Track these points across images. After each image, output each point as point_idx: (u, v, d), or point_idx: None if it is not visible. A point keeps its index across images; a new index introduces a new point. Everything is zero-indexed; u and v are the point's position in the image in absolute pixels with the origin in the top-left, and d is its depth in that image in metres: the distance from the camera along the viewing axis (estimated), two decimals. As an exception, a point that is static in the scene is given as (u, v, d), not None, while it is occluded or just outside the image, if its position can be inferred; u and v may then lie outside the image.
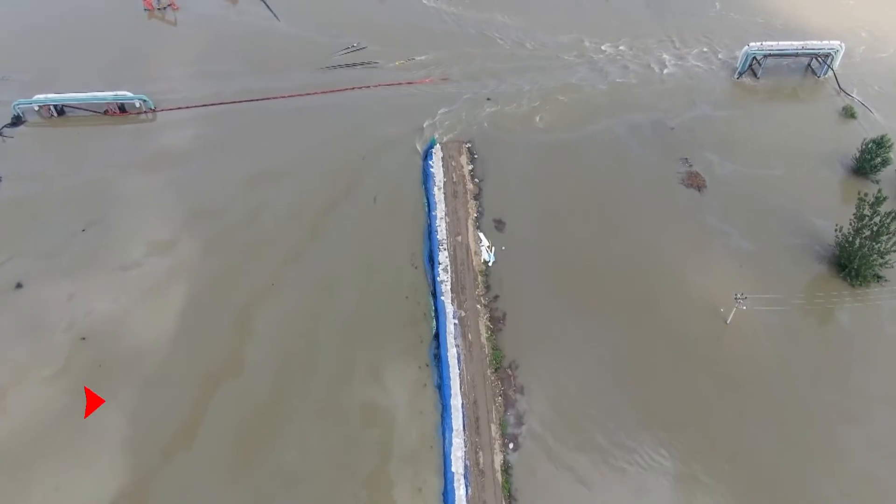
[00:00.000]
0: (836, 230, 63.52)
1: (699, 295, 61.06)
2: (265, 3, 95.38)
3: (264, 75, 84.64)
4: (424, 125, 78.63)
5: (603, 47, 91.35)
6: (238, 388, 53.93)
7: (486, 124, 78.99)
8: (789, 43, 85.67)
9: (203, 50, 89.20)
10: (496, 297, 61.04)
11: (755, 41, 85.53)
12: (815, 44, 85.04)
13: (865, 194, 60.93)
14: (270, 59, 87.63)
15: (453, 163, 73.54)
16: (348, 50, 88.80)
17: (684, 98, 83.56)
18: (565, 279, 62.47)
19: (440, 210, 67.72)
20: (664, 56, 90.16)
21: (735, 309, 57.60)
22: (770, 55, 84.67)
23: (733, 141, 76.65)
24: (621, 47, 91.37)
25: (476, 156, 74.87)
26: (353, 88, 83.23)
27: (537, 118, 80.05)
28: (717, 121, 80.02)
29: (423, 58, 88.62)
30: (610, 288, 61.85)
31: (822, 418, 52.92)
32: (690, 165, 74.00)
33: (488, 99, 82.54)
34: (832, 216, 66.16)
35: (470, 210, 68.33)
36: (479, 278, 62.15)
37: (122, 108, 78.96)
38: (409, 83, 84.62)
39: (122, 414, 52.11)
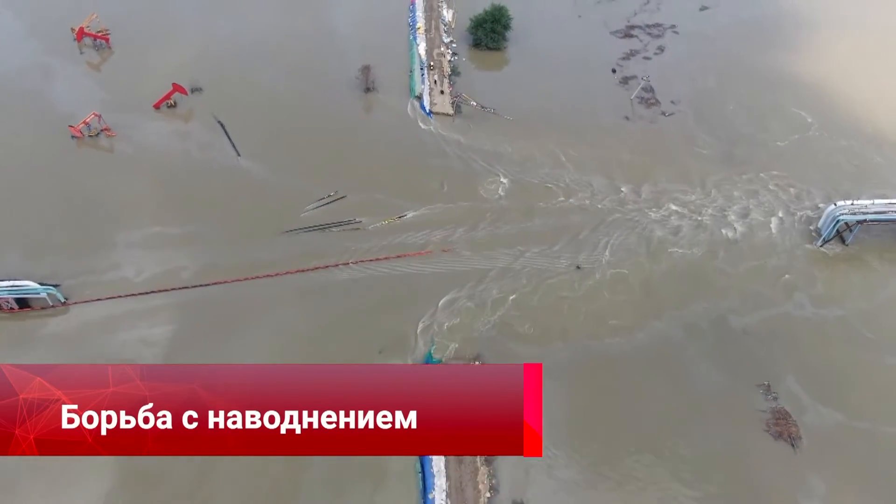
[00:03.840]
0: None
1: None
2: (226, 133, 76.60)
3: (210, 244, 65.78)
4: (419, 328, 59.86)
5: (648, 198, 72.39)
6: None
7: (499, 325, 60.30)
8: (887, 202, 66.85)
9: (144, 201, 70.23)
10: None
11: (844, 198, 67.29)
12: (920, 203, 66.36)
13: None
14: (220, 214, 68.55)
15: (457, 398, 54.90)
16: (323, 201, 70.23)
17: (755, 279, 64.51)
18: None
19: (439, 493, 49.14)
20: (731, 212, 70.17)
21: None
22: (863, 221, 65.93)
23: (828, 364, 57.30)
24: (674, 205, 71.05)
25: (487, 383, 56.17)
26: (325, 267, 64.62)
27: (566, 316, 61.13)
28: (802, 324, 60.71)
29: (416, 213, 69.72)
30: None
31: None
32: (775, 398, 55.30)
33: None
34: None
35: (481, 487, 49.72)
36: None
37: (25, 303, 60.55)
38: (400, 256, 66.02)
39: None
